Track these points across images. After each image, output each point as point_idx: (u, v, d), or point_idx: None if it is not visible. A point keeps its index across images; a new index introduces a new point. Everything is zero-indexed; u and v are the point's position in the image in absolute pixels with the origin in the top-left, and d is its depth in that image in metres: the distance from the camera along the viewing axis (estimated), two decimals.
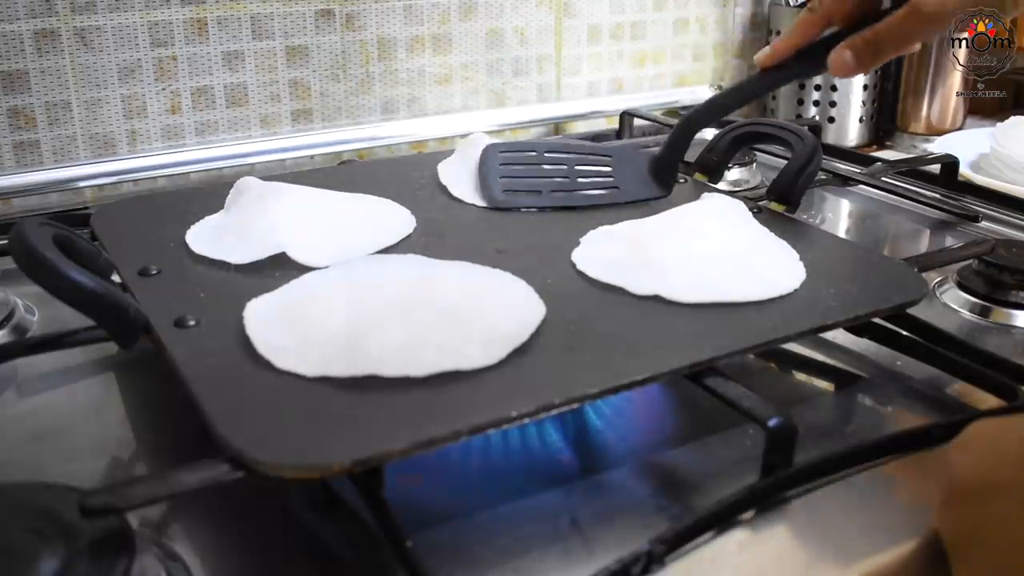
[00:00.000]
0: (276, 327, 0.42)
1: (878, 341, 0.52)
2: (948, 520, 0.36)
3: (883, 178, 0.80)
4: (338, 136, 0.86)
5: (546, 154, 0.65)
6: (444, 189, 0.65)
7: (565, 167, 0.64)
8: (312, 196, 0.59)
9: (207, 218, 0.57)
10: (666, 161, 0.64)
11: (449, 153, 0.71)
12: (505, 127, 0.94)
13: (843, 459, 0.42)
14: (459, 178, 0.66)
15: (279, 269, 0.51)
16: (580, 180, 0.63)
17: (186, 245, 0.54)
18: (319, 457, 0.34)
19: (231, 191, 0.59)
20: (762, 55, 0.57)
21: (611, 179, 0.64)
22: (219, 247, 0.53)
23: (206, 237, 0.55)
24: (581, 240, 0.54)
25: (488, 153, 0.65)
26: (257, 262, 0.52)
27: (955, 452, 0.37)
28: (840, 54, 0.52)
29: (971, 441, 0.37)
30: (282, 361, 0.40)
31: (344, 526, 0.37)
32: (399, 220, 0.59)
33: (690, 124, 0.63)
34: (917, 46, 0.54)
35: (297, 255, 0.52)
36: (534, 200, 0.62)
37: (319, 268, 0.51)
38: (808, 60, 0.55)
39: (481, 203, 0.63)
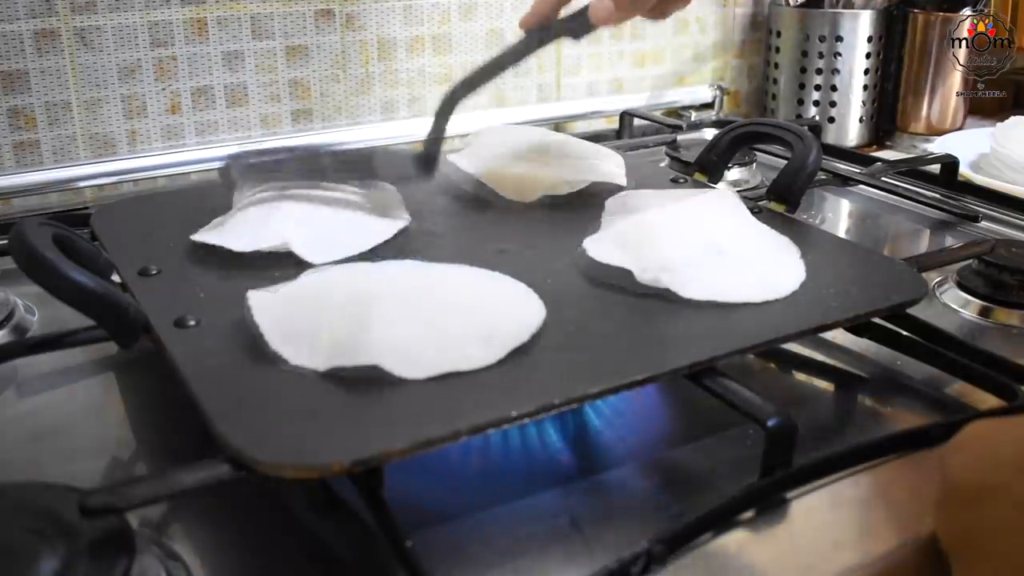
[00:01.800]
0: (278, 325, 0.42)
1: (878, 341, 0.52)
2: (945, 522, 0.36)
3: (883, 178, 0.80)
4: (338, 136, 0.86)
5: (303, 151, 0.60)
6: (444, 189, 0.65)
7: (319, 158, 0.59)
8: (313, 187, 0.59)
9: (214, 220, 0.57)
10: (431, 145, 0.61)
11: (449, 152, 0.71)
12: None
13: (843, 459, 0.42)
14: (476, 163, 0.66)
15: (279, 269, 0.51)
16: (333, 162, 0.59)
17: (186, 245, 0.54)
18: (319, 457, 0.34)
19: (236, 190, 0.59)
20: (525, 17, 0.57)
21: (367, 165, 0.59)
22: (220, 235, 0.53)
23: (208, 229, 0.55)
24: (584, 240, 0.54)
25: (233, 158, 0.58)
26: (256, 261, 0.52)
27: (950, 454, 0.37)
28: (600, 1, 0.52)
29: (966, 443, 0.37)
30: (285, 358, 0.40)
31: (344, 526, 0.37)
32: (397, 208, 0.60)
33: (452, 99, 0.59)
34: None
35: (300, 250, 0.52)
36: (269, 176, 0.55)
37: (319, 264, 0.51)
38: (571, 18, 0.56)
39: (485, 197, 0.63)
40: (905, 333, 0.51)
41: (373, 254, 0.54)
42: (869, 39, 1.00)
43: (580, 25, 0.56)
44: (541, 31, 0.57)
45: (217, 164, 0.79)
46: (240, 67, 0.81)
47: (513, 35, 0.93)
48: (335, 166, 0.58)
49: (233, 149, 0.80)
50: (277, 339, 0.41)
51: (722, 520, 0.38)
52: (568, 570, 0.37)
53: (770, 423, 0.39)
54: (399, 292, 0.44)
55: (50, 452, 0.45)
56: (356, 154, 0.63)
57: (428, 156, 0.61)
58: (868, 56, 1.01)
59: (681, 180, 0.68)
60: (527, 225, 0.60)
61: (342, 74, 0.86)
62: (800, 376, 0.53)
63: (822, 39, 1.00)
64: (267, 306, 0.43)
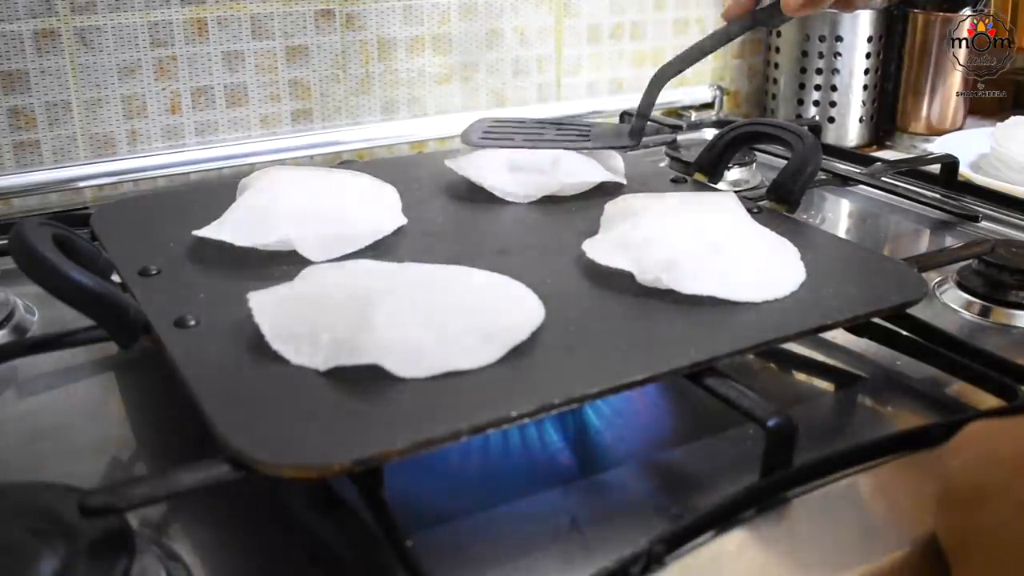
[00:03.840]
0: (279, 325, 0.42)
1: (878, 341, 0.52)
2: (945, 522, 0.36)
3: (883, 178, 0.80)
4: (338, 136, 0.86)
5: (532, 123, 0.73)
6: (444, 190, 0.65)
7: (544, 130, 0.71)
8: (312, 182, 0.59)
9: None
10: (639, 117, 0.68)
11: (449, 152, 0.71)
12: None
13: (843, 459, 0.42)
14: (474, 167, 0.66)
15: (279, 268, 0.51)
16: (555, 134, 0.69)
17: (186, 245, 0.54)
18: (319, 457, 0.34)
19: (238, 189, 0.59)
20: (728, 8, 0.65)
21: (585, 137, 0.69)
22: (221, 230, 0.53)
23: (211, 226, 0.55)
24: (583, 242, 0.54)
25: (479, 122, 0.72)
26: (256, 260, 0.52)
27: (950, 454, 0.37)
28: None
29: (966, 443, 0.37)
30: (286, 358, 0.40)
31: (344, 526, 0.37)
32: (395, 204, 0.60)
33: (661, 78, 0.67)
34: None
35: (301, 247, 0.52)
36: (504, 143, 0.67)
37: (319, 262, 0.51)
38: (766, 10, 0.63)
39: (485, 197, 0.63)
40: (905, 333, 0.51)
41: (373, 254, 0.54)
42: (869, 39, 1.00)
43: (775, 16, 0.63)
44: (741, 21, 0.64)
45: (217, 164, 0.80)
46: (240, 67, 0.81)
47: (512, 34, 0.93)
48: (557, 136, 0.69)
49: (233, 149, 0.81)
50: (278, 339, 0.41)
51: (722, 520, 0.38)
52: (568, 570, 0.37)
53: (770, 423, 0.39)
54: (399, 292, 0.44)
55: (50, 452, 0.45)
56: (575, 126, 0.73)
57: (636, 129, 0.68)
58: (868, 56, 1.01)
59: (681, 180, 0.68)
60: (527, 225, 0.60)
61: (342, 74, 0.86)
62: (800, 376, 0.53)
63: (822, 39, 1.00)
64: (268, 307, 0.43)
